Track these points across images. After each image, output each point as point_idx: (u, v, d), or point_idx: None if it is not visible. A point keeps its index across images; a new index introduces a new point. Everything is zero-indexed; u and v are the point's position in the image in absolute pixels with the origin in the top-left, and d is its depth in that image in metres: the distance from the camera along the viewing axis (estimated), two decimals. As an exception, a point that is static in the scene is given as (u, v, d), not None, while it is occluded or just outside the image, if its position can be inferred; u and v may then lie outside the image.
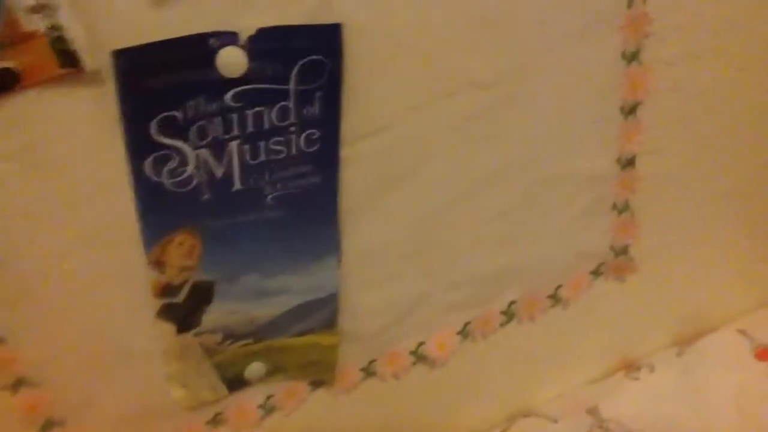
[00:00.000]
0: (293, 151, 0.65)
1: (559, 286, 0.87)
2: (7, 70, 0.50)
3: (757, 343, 0.98)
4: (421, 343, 0.84)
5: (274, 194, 0.67)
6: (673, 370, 0.97)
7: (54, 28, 0.51)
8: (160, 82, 0.57)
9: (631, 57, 0.74)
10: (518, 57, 0.70)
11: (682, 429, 0.91)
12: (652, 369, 0.98)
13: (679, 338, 1.00)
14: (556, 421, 0.94)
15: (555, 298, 0.88)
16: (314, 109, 0.64)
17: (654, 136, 0.80)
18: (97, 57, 0.54)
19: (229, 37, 0.58)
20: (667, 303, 0.96)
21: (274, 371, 0.78)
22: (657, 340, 1.00)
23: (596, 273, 0.89)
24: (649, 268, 0.91)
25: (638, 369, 0.98)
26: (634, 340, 0.98)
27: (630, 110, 0.77)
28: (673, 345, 1.00)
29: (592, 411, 0.94)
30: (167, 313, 0.70)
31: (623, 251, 0.88)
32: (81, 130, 0.57)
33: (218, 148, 0.62)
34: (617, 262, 0.89)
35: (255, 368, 0.77)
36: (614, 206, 0.84)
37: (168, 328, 0.71)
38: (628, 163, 0.81)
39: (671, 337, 1.00)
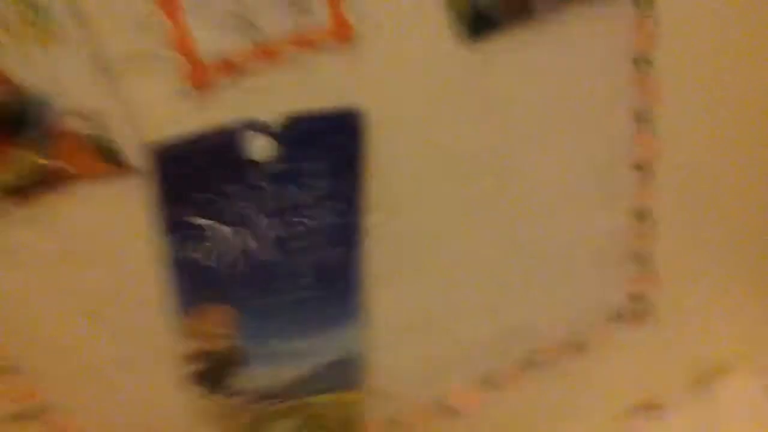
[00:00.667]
0: (321, 226, 0.68)
1: (577, 337, 0.90)
2: (53, 168, 0.53)
3: (772, 383, 1.00)
4: (445, 395, 0.86)
5: (304, 266, 0.69)
6: (690, 413, 0.99)
7: (98, 129, 0.54)
8: (195, 170, 0.60)
9: (640, 117, 0.77)
10: (525, 133, 0.73)
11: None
12: (670, 411, 1.00)
13: (696, 382, 1.02)
14: (578, 466, 0.95)
15: (574, 347, 0.90)
16: (340, 188, 0.66)
17: (668, 189, 0.82)
18: (136, 152, 0.57)
19: (258, 126, 0.61)
20: (684, 350, 0.98)
21: (302, 429, 0.81)
22: (674, 384, 1.01)
23: (615, 320, 0.91)
24: (667, 315, 0.93)
25: (656, 412, 1.00)
26: (652, 386, 1.00)
27: (641, 166, 0.80)
28: (689, 389, 1.02)
29: (613, 455, 0.96)
30: (200, 378, 0.73)
31: (640, 300, 0.90)
32: (119, 221, 0.60)
33: (251, 226, 0.65)
34: (635, 310, 0.91)
35: (282, 426, 0.80)
36: (631, 256, 0.86)
37: (201, 391, 0.74)
38: (644, 215, 0.83)
39: (688, 381, 1.02)
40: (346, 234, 0.69)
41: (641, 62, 0.75)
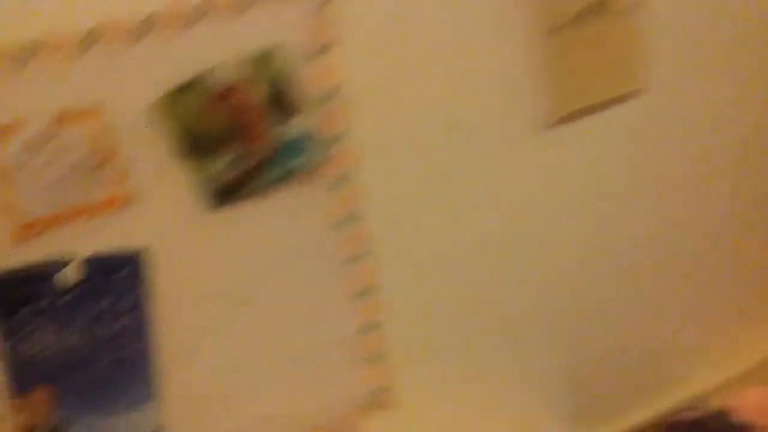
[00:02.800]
0: (117, 329, 1.00)
1: (334, 422, 1.20)
2: None
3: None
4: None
5: (106, 361, 1.01)
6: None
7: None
8: (18, 290, 0.93)
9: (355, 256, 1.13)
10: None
11: None
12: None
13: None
14: None
15: (333, 432, 1.20)
16: (130, 302, 1.00)
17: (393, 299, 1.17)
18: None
19: (64, 261, 0.95)
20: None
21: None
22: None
23: (362, 409, 1.21)
24: (413, 403, 1.23)
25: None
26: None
27: (362, 293, 1.15)
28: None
29: None
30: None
31: (381, 391, 1.21)
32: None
33: (64, 330, 0.97)
34: (378, 400, 1.22)
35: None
36: (364, 360, 1.19)
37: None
38: (369, 328, 1.17)
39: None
40: (136, 336, 1.01)
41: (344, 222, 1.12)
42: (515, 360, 1.31)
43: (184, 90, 0.96)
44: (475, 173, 1.17)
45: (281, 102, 1.00)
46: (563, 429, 1.35)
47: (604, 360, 1.37)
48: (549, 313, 1.31)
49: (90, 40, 0.91)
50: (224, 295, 1.07)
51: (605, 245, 1.34)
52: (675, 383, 1.44)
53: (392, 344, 1.20)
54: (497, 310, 1.27)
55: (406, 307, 1.20)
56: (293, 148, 1.03)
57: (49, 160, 0.90)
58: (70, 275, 0.96)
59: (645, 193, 1.36)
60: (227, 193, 1.02)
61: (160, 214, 0.99)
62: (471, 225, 1.20)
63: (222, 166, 1.00)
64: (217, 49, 0.97)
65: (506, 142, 1.19)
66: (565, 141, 1.23)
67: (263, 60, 0.99)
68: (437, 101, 1.13)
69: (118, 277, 0.98)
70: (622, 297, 1.38)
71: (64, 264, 0.95)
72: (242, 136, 1.00)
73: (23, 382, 0.98)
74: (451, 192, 1.18)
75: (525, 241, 1.26)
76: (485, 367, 1.30)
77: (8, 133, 0.88)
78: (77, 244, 0.95)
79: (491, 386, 1.32)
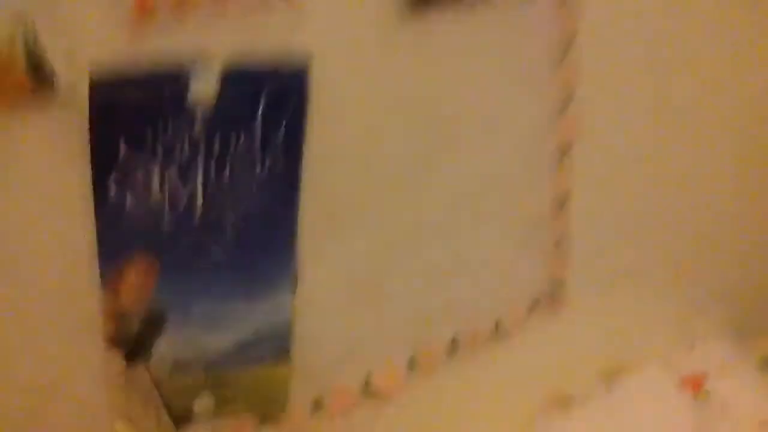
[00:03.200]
0: (256, 176, 0.66)
1: (499, 321, 0.90)
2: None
3: (680, 373, 1.03)
4: (369, 377, 0.85)
5: (234, 220, 0.67)
6: (604, 404, 1.01)
7: (28, 43, 0.51)
8: (133, 103, 0.58)
9: (564, 104, 0.80)
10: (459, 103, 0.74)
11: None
12: (583, 405, 1.01)
13: (607, 373, 1.04)
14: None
15: (495, 333, 0.91)
16: (279, 138, 0.65)
17: (587, 175, 0.85)
18: (69, 75, 0.54)
19: (201, 66, 0.59)
20: (596, 337, 1.01)
21: (224, 405, 0.77)
22: (587, 373, 1.03)
23: (532, 307, 0.92)
24: (582, 302, 0.95)
25: (570, 405, 1.01)
26: (567, 375, 1.02)
27: (564, 152, 0.83)
28: (601, 380, 1.04)
29: (530, 447, 0.96)
30: (119, 342, 0.69)
31: (559, 285, 0.92)
32: (46, 148, 0.57)
33: (184, 171, 0.63)
34: (553, 296, 0.92)
35: (204, 402, 0.76)
36: (551, 241, 0.88)
37: (117, 358, 0.70)
38: (563, 200, 0.86)
39: (600, 371, 1.04)
40: (282, 189, 0.68)
41: (565, 50, 0.78)
42: (678, 268, 1.03)
43: None
44: None
45: None
46: (720, 339, 1.09)
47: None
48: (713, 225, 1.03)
49: None
50: (410, 128, 0.73)
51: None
52: None
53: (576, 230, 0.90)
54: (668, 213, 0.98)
55: (596, 184, 0.89)
56: None
57: None
58: (203, 89, 0.61)
59: None
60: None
61: (335, 13, 0.64)
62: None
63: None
64: None
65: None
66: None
67: None
68: None
69: (271, 99, 0.63)
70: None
71: (198, 70, 0.60)
72: None
73: (117, 251, 0.64)
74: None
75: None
76: (648, 270, 1.01)
77: None
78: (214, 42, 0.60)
79: (654, 293, 1.03)
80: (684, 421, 0.97)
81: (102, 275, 0.64)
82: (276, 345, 0.76)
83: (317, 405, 0.83)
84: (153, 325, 0.69)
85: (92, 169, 0.60)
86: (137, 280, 0.66)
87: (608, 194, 0.90)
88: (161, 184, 0.62)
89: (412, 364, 0.87)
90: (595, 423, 0.98)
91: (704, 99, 0.93)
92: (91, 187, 0.60)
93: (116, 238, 0.63)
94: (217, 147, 0.63)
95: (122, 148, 0.60)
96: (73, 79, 0.55)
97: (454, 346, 0.89)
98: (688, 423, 0.97)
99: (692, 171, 0.97)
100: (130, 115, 0.58)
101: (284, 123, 0.65)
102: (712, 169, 1.00)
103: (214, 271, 0.69)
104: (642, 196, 0.94)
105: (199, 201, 0.65)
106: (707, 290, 1.08)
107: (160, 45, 0.57)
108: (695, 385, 1.02)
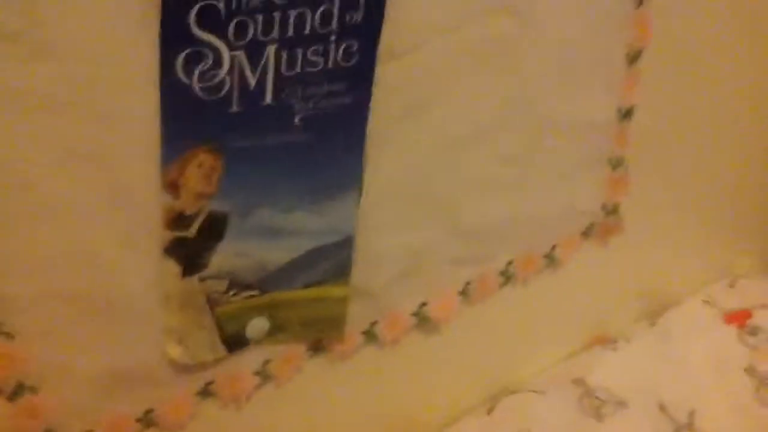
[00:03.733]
0: (329, 64, 0.60)
1: (554, 247, 0.86)
2: None
3: (724, 309, 1.00)
4: (423, 304, 0.79)
5: (304, 113, 0.61)
6: (649, 339, 0.97)
7: None
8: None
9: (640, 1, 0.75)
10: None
11: (666, 392, 0.91)
12: (628, 340, 0.97)
13: (650, 308, 1.01)
14: (544, 393, 0.91)
15: (549, 259, 0.86)
16: (356, 18, 0.59)
17: (654, 88, 0.81)
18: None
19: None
20: (641, 268, 0.97)
21: (278, 330, 0.71)
22: (630, 309, 1.00)
23: (587, 234, 0.88)
24: (632, 230, 0.91)
25: (615, 341, 0.97)
26: (610, 310, 0.98)
27: (633, 58, 0.78)
28: (644, 317, 1.01)
29: (578, 382, 0.92)
30: (175, 249, 0.61)
31: (614, 210, 0.88)
32: (107, 13, 0.49)
33: (255, 51, 0.56)
34: (607, 222, 0.88)
35: (258, 325, 0.69)
36: (609, 161, 0.84)
37: (173, 268, 0.62)
38: (627, 114, 0.81)
39: (643, 307, 1.01)
40: (355, 78, 0.61)
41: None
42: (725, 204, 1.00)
43: None
44: None
45: None
46: (761, 279, 1.07)
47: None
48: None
49: None
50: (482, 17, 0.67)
51: None
52: None
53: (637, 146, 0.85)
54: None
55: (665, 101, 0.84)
56: None
57: None
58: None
59: None
60: None
61: None
62: None
63: None
64: None
65: None
66: None
67: None
68: None
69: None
70: None
71: None
72: None
73: (182, 136, 0.57)
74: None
75: None
76: (699, 205, 0.98)
77: None
78: None
79: (699, 229, 1.00)
80: (734, 354, 0.94)
81: (163, 165, 0.57)
82: (336, 263, 0.70)
83: (371, 333, 0.77)
84: (213, 231, 0.62)
85: (161, 40, 0.52)
86: (201, 174, 0.59)
87: (673, 114, 0.86)
88: (231, 68, 0.56)
89: (466, 291, 0.81)
90: (644, 357, 0.95)
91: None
92: (159, 61, 0.53)
93: (181, 122, 0.56)
94: (292, 22, 0.56)
95: (191, 17, 0.52)
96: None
97: (508, 272, 0.84)
98: (738, 355, 0.94)
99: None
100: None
101: (359, 7, 0.58)
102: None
103: (280, 174, 0.63)
104: (705, 122, 0.90)
105: (269, 87, 0.58)
106: (750, 230, 1.06)
107: None
108: (740, 319, 0.99)
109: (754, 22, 0.87)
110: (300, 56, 0.58)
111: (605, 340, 0.98)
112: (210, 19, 0.53)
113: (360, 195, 0.68)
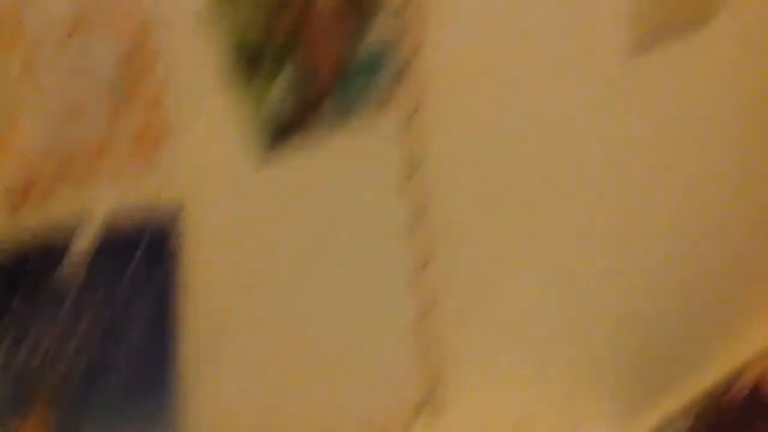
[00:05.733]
0: (135, 321, 0.72)
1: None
2: None
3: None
4: None
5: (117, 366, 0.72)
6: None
7: None
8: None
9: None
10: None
11: None
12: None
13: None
14: None
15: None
16: (154, 293, 0.72)
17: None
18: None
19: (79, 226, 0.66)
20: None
21: None
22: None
23: (414, 410, 0.98)
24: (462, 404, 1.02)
25: None
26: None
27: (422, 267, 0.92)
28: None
29: None
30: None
31: (435, 389, 0.99)
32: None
33: (66, 327, 0.68)
34: (432, 398, 0.99)
35: None
36: (421, 352, 0.96)
37: None
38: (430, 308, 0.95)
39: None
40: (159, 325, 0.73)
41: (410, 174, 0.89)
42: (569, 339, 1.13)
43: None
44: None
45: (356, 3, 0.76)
46: (609, 407, 1.19)
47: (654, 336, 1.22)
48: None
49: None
50: (268, 273, 0.81)
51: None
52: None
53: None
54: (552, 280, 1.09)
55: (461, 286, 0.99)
56: (367, 65, 0.79)
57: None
58: (79, 246, 0.66)
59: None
60: (281, 129, 0.76)
61: (198, 158, 0.72)
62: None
63: (277, 91, 0.75)
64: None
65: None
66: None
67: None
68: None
69: (142, 249, 0.70)
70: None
71: (72, 232, 0.66)
72: (305, 50, 0.75)
73: (19, 396, 0.67)
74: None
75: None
76: (536, 349, 1.11)
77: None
78: (91, 203, 0.66)
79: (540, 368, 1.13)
80: None
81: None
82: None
83: None
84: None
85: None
86: (38, 421, 0.69)
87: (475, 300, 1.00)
88: (49, 339, 0.67)
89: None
90: None
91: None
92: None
93: (16, 387, 0.67)
94: (95, 293, 0.68)
95: (15, 301, 0.64)
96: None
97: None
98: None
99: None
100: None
101: (162, 271, 0.71)
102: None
103: (102, 416, 0.73)
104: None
105: (84, 354, 0.69)
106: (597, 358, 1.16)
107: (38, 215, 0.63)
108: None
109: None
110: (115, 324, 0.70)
111: None
112: (26, 299, 0.65)
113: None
